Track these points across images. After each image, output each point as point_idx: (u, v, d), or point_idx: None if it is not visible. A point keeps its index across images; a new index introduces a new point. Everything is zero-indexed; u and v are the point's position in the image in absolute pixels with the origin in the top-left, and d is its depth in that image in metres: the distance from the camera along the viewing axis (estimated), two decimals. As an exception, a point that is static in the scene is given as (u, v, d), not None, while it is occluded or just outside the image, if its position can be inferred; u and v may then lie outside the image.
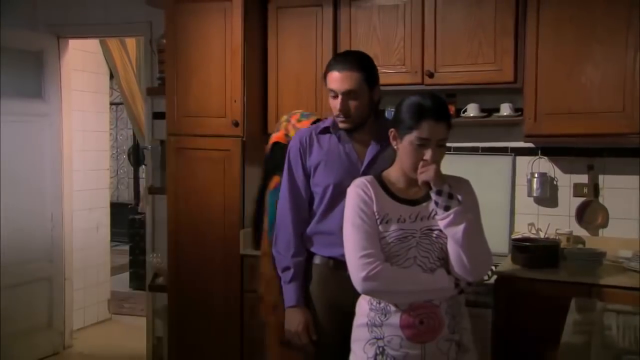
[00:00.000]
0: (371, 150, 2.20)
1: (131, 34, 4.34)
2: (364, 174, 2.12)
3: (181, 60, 3.36)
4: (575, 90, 2.88)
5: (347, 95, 2.15)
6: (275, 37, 3.36)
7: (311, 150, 2.26)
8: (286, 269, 2.27)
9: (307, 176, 2.27)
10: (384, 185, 1.85)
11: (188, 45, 3.34)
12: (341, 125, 2.20)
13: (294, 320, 2.24)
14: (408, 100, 1.81)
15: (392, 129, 1.83)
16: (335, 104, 2.16)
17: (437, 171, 1.77)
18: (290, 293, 2.26)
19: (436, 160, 1.77)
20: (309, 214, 2.28)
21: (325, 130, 2.27)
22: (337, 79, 2.14)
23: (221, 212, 3.30)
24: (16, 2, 4.19)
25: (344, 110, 2.15)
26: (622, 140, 2.92)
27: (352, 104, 2.15)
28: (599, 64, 2.85)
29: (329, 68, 2.18)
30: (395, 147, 1.84)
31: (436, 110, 1.77)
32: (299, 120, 2.50)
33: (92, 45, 4.86)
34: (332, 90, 2.16)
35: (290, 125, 2.49)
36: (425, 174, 1.76)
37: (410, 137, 1.77)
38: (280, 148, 2.44)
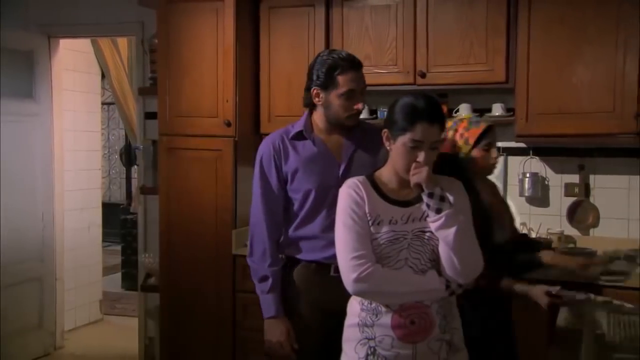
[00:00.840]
0: (346, 150, 2.21)
1: (123, 33, 4.32)
2: (344, 174, 2.12)
3: (173, 60, 3.35)
4: (566, 90, 2.90)
5: (363, 92, 2.19)
6: (268, 37, 3.36)
7: (287, 156, 2.22)
8: (264, 278, 2.24)
9: (282, 182, 2.23)
10: (375, 186, 1.84)
11: (180, 45, 3.33)
12: (352, 122, 2.20)
13: (276, 330, 2.21)
14: (402, 102, 1.80)
15: (385, 130, 1.82)
16: (353, 103, 2.16)
17: (430, 173, 1.76)
18: (269, 303, 2.23)
19: (429, 163, 1.77)
20: (283, 219, 2.26)
21: (298, 136, 2.24)
22: (357, 78, 2.16)
23: (213, 212, 3.29)
24: (7, 2, 4.16)
25: (363, 107, 2.20)
26: (613, 140, 2.94)
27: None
28: (589, 64, 2.86)
29: (344, 69, 2.14)
30: (387, 148, 1.83)
31: (430, 112, 1.76)
32: (467, 129, 2.21)
33: (83, 45, 4.84)
34: (351, 91, 2.15)
35: (458, 135, 2.21)
36: (417, 176, 1.76)
37: (404, 139, 1.76)
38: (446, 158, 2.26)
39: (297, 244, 2.24)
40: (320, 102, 2.20)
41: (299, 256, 2.23)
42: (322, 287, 2.16)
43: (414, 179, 1.76)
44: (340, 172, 2.17)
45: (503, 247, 2.18)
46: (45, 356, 4.30)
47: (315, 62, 2.21)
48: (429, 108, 1.77)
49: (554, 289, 2.08)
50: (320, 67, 2.17)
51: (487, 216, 2.13)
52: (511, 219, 2.37)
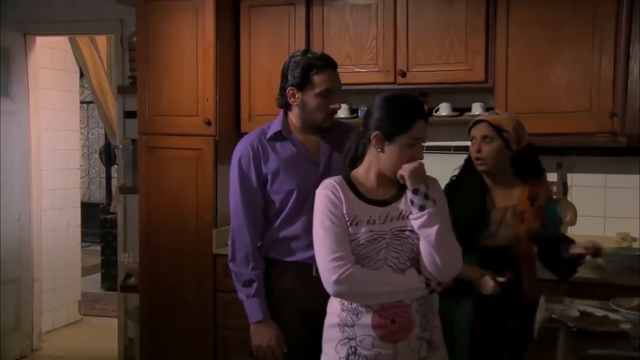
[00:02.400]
0: (324, 150, 2.20)
1: (101, 31, 4.27)
2: (323, 174, 2.09)
3: (153, 58, 3.32)
4: (544, 90, 2.93)
5: (339, 92, 2.19)
6: (248, 35, 3.35)
7: (266, 157, 2.20)
8: (248, 283, 2.20)
9: (262, 183, 2.20)
10: (352, 186, 1.84)
11: (160, 43, 3.31)
12: (328, 123, 2.20)
13: (265, 334, 2.17)
14: (397, 103, 1.80)
15: (377, 132, 1.79)
16: (329, 102, 2.15)
17: (423, 169, 1.78)
18: (255, 308, 2.18)
19: (422, 159, 1.80)
20: (263, 221, 2.23)
21: (276, 136, 2.22)
22: (333, 78, 2.16)
23: (194, 212, 3.27)
24: (-19, -1, 4.11)
25: (339, 107, 2.21)
26: (589, 139, 2.98)
27: None
28: (566, 64, 2.90)
29: (320, 68, 2.13)
30: (377, 150, 1.80)
31: (423, 109, 1.81)
32: None
33: (61, 42, 4.78)
34: (328, 90, 2.14)
35: None
36: (410, 165, 1.76)
37: (405, 139, 1.76)
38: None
39: (278, 245, 2.21)
40: (296, 103, 2.17)
41: (280, 257, 2.21)
42: (305, 288, 2.13)
43: (404, 168, 1.76)
44: (320, 172, 2.16)
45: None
46: (22, 358, 4.24)
47: (290, 62, 2.18)
48: (421, 105, 1.81)
49: (502, 279, 2.08)
50: (295, 67, 2.15)
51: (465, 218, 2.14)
52: (505, 226, 2.23)
